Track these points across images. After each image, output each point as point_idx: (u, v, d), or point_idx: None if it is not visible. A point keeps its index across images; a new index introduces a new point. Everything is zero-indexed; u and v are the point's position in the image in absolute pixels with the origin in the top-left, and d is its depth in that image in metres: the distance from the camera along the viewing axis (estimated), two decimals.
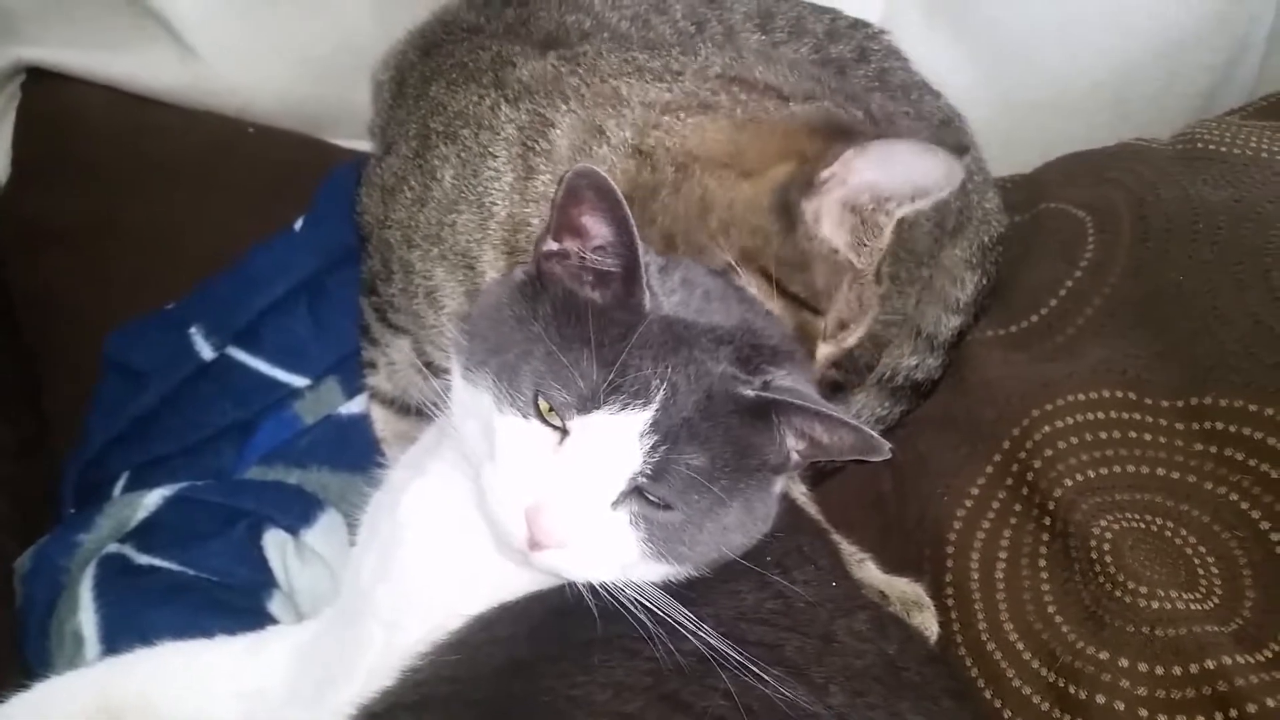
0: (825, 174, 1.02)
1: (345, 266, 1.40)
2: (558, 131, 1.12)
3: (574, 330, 0.86)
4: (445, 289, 1.17)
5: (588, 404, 0.84)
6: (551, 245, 0.92)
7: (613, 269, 0.88)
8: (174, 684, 1.07)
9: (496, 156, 1.14)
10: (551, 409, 0.85)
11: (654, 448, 0.84)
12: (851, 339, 1.16)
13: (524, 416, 0.86)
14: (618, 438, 0.84)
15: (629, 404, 0.83)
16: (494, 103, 1.17)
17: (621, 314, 0.87)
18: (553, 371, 0.85)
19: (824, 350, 1.12)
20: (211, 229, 1.48)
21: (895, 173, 1.03)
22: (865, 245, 1.07)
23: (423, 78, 1.30)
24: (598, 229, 0.88)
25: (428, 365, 1.26)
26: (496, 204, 1.13)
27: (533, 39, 1.27)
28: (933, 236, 1.37)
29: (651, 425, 0.84)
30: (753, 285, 1.03)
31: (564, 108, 1.13)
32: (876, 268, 1.12)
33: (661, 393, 0.84)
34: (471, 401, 0.91)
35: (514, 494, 0.86)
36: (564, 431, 0.85)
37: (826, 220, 1.04)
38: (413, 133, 1.24)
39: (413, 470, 1.04)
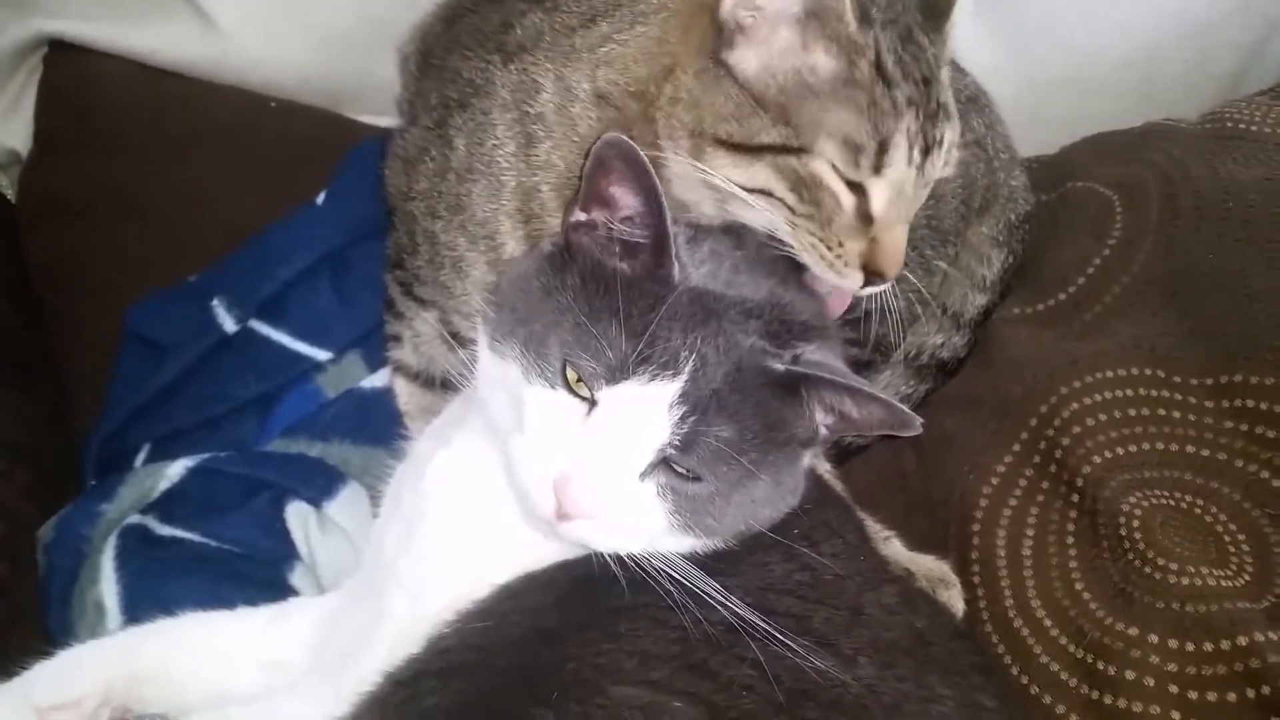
0: (724, 10, 0.97)
1: (367, 241, 1.39)
2: (545, 95, 1.10)
3: (602, 301, 0.86)
4: (469, 259, 1.16)
5: (616, 374, 0.83)
6: (580, 216, 0.91)
7: (641, 240, 0.88)
8: (195, 654, 1.07)
9: (496, 125, 1.12)
10: (580, 379, 0.85)
11: (682, 419, 0.83)
12: (897, 162, 0.98)
13: (552, 387, 0.86)
14: (646, 408, 0.83)
15: (658, 375, 0.83)
16: (493, 66, 1.15)
17: (650, 285, 0.86)
18: (581, 341, 0.85)
19: (878, 195, 0.98)
20: (232, 203, 1.47)
21: None
22: (834, 44, 0.97)
23: (445, 48, 1.29)
24: (626, 199, 0.88)
25: (454, 336, 1.26)
26: (505, 174, 1.11)
27: None
28: (959, 214, 1.36)
29: (680, 396, 0.83)
30: (721, 165, 0.98)
31: (547, 68, 1.11)
32: (871, 61, 0.97)
33: (690, 364, 0.83)
34: (499, 373, 0.91)
35: (542, 464, 0.86)
36: (592, 402, 0.85)
37: (771, 50, 0.97)
38: (434, 103, 1.23)
39: (437, 442, 1.04)
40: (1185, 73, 1.66)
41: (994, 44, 1.63)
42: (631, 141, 0.86)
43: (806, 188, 0.97)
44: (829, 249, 0.98)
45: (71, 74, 1.55)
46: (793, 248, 0.99)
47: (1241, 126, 1.39)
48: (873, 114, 0.96)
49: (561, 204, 1.08)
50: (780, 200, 0.97)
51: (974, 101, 1.40)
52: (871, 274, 0.99)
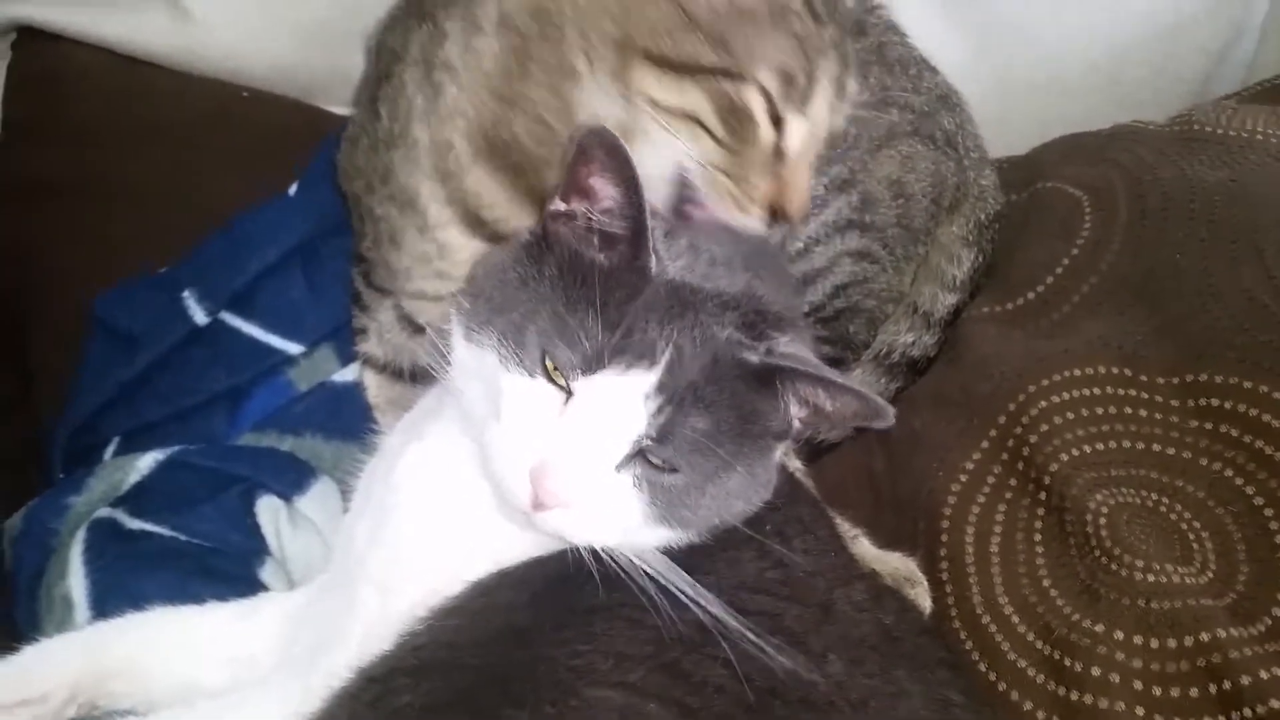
0: None
1: (339, 234, 1.38)
2: (450, 40, 1.07)
3: (580, 291, 0.86)
4: (399, 228, 1.15)
5: (592, 364, 0.84)
6: (559, 206, 0.92)
7: (619, 231, 0.88)
8: (164, 649, 1.06)
9: (407, 85, 1.11)
10: (556, 369, 0.85)
11: (659, 410, 0.84)
12: (819, 101, 0.97)
13: (530, 375, 0.86)
14: (622, 399, 0.84)
15: (633, 365, 0.83)
16: (410, 30, 1.14)
17: (627, 276, 0.87)
18: (558, 330, 0.85)
19: (794, 132, 0.97)
20: (203, 192, 1.45)
21: None
22: None
23: (389, 28, 1.28)
24: (606, 190, 0.88)
25: (409, 322, 1.25)
26: (418, 131, 1.09)
27: None
28: (929, 213, 1.38)
29: (657, 387, 0.84)
30: (647, 84, 0.95)
31: (454, 13, 1.08)
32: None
33: (667, 355, 0.84)
34: (475, 363, 0.91)
35: (519, 454, 0.86)
36: (569, 393, 0.85)
37: None
38: (371, 80, 1.23)
39: (410, 435, 1.04)
40: (1153, 76, 1.69)
41: (964, 44, 1.65)
42: (614, 132, 0.86)
43: (734, 117, 0.95)
44: (739, 187, 0.97)
45: (42, 61, 1.53)
46: (698, 184, 0.97)
47: (1208, 129, 1.41)
48: (806, 47, 0.96)
49: (475, 155, 1.07)
50: (705, 129, 0.96)
51: (944, 100, 1.42)
52: (777, 214, 0.99)
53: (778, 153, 0.97)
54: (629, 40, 0.96)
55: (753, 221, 0.98)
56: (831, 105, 1.00)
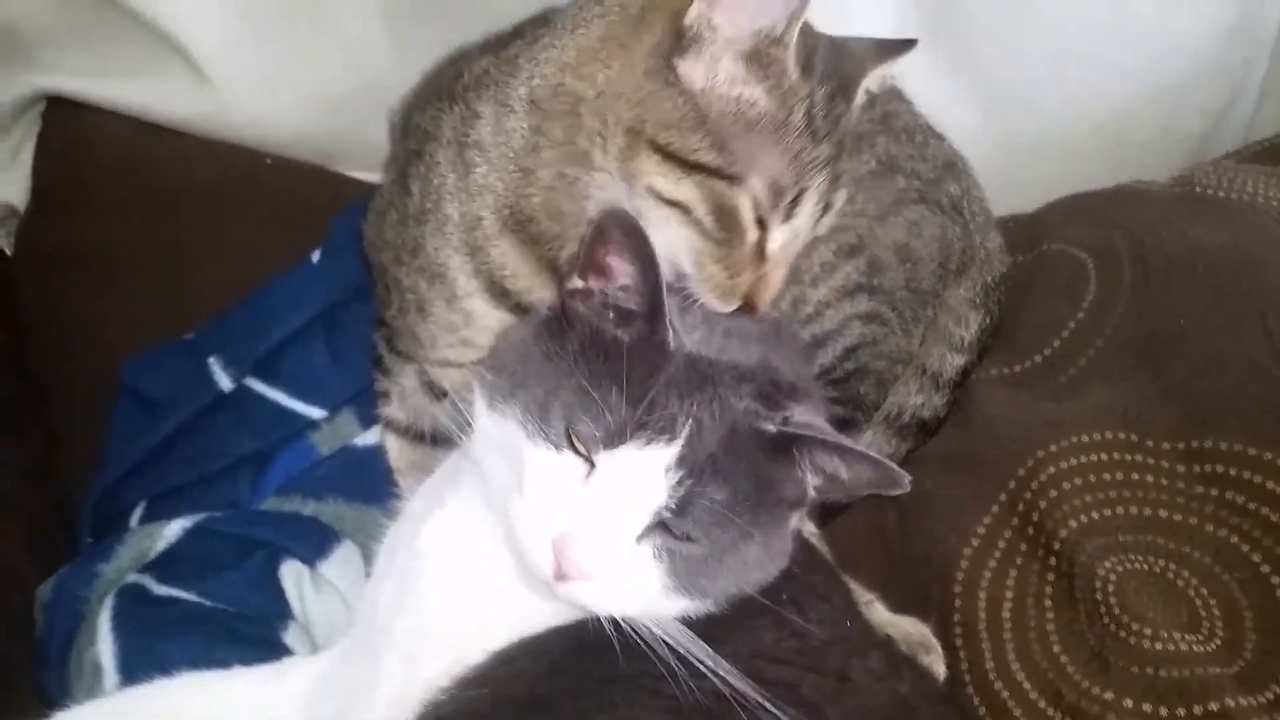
0: (690, 18, 0.98)
1: (360, 300, 1.42)
2: (482, 121, 1.11)
3: (602, 366, 0.89)
4: (428, 299, 1.18)
5: (615, 439, 0.86)
6: (577, 284, 0.94)
7: (636, 308, 0.91)
8: (192, 714, 1.08)
9: (439, 163, 1.14)
10: (579, 442, 0.88)
11: (679, 482, 0.86)
12: (804, 213, 1.04)
13: (557, 449, 0.88)
14: (644, 472, 0.86)
15: (655, 439, 0.86)
16: (442, 111, 1.18)
17: (647, 351, 0.89)
18: (582, 405, 0.87)
19: (776, 238, 1.02)
20: (227, 259, 1.49)
21: None
22: (775, 87, 1.00)
23: (412, 107, 1.32)
24: (622, 268, 0.91)
25: (431, 388, 1.28)
26: (448, 207, 1.13)
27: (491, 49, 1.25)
28: (937, 276, 1.40)
29: (677, 461, 0.86)
30: (649, 171, 0.99)
31: (489, 96, 1.12)
32: (804, 113, 1.01)
33: (687, 429, 0.86)
34: (497, 431, 0.93)
35: (542, 525, 0.88)
36: (591, 465, 0.88)
37: (716, 74, 0.99)
38: (400, 158, 1.27)
39: (431, 501, 1.06)
40: (1155, 136, 1.71)
41: (971, 107, 1.68)
42: (630, 214, 0.90)
43: (724, 215, 1.00)
44: (727, 277, 1.02)
45: (69, 129, 1.58)
46: (687, 269, 1.02)
47: (1210, 192, 1.42)
48: (798, 164, 1.01)
49: (502, 228, 1.10)
50: (696, 221, 1.00)
51: (950, 167, 1.44)
52: (747, 305, 1.04)
53: (759, 252, 1.03)
54: (640, 127, 1.00)
55: (726, 307, 1.03)
56: (815, 217, 1.06)
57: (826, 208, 1.07)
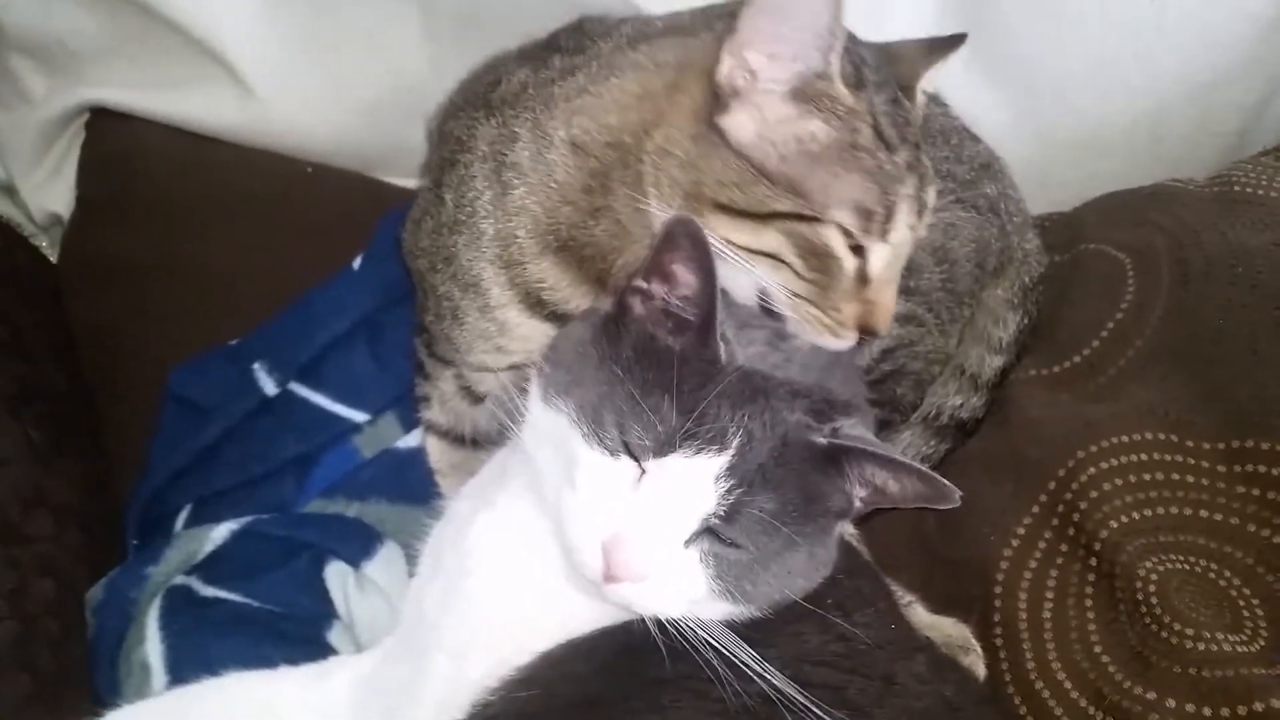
0: (722, 74, 0.98)
1: (401, 305, 1.44)
2: (521, 144, 1.13)
3: (654, 375, 0.90)
4: (462, 307, 1.20)
5: (664, 448, 0.87)
6: (640, 283, 0.95)
7: (692, 318, 0.92)
8: (239, 713, 1.09)
9: (475, 176, 1.16)
10: (631, 447, 0.89)
11: (729, 491, 0.87)
12: (899, 226, 1.00)
13: (612, 455, 0.89)
14: (694, 479, 0.87)
15: (705, 448, 0.87)
16: (478, 121, 1.19)
17: (699, 362, 0.90)
18: (633, 412, 0.88)
19: (877, 259, 1.00)
20: (270, 265, 1.51)
21: (787, 37, 0.96)
22: (832, 115, 0.98)
23: (447, 114, 1.34)
24: (686, 277, 0.91)
25: (470, 392, 1.30)
26: (483, 222, 1.15)
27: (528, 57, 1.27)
28: (973, 277, 1.40)
29: (727, 470, 0.87)
30: (723, 228, 0.98)
31: (526, 118, 1.13)
32: (870, 128, 0.99)
33: (738, 440, 0.87)
34: (549, 425, 0.94)
35: (593, 526, 0.89)
36: (642, 469, 0.89)
37: (766, 119, 0.98)
38: (435, 165, 1.28)
39: (477, 501, 1.07)
40: (1192, 132, 1.70)
41: (1006, 108, 1.67)
42: (699, 224, 0.89)
43: (814, 254, 0.99)
44: (827, 315, 1.01)
45: (113, 140, 1.60)
46: (782, 310, 1.01)
47: (1249, 190, 1.42)
48: (880, 179, 0.99)
49: (542, 250, 1.12)
50: (787, 265, 1.00)
51: (987, 168, 1.44)
52: (865, 332, 1.02)
53: (862, 277, 1.01)
54: (698, 192, 1.00)
55: (843, 343, 1.01)
56: (912, 224, 1.03)
57: (923, 208, 1.04)
